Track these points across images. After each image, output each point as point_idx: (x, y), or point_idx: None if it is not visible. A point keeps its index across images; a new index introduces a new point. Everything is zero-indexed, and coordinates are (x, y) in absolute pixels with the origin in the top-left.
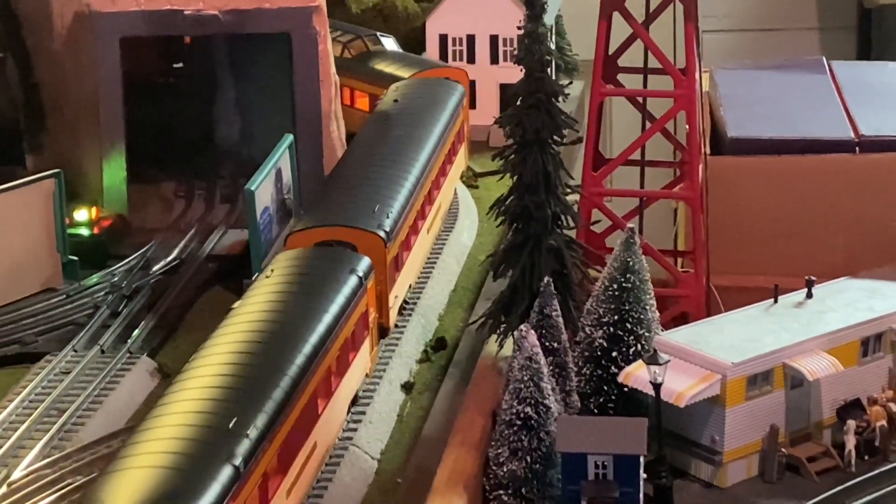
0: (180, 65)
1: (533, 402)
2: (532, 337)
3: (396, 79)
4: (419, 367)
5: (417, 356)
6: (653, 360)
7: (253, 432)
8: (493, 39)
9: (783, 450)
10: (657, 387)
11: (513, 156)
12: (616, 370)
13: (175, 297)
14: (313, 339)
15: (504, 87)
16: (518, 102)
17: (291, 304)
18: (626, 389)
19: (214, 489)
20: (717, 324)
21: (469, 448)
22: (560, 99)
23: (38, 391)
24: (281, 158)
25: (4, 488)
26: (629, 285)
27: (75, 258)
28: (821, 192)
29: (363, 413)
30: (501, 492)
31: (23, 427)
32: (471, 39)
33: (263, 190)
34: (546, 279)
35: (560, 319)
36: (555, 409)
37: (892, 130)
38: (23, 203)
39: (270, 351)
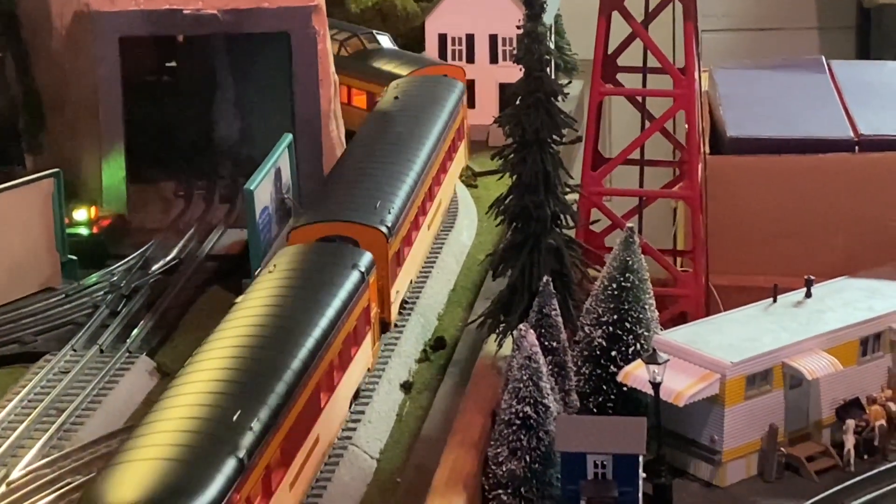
0: (173, 63)
1: (532, 401)
2: (531, 336)
3: (394, 76)
4: (418, 366)
5: (417, 356)
6: (652, 359)
7: (256, 425)
8: (493, 39)
9: (782, 449)
10: (656, 386)
11: (512, 155)
12: (615, 369)
13: (174, 297)
14: (316, 333)
15: (503, 87)
16: (517, 102)
17: (294, 299)
18: (625, 389)
19: (219, 481)
20: (716, 323)
21: (468, 447)
22: (559, 98)
23: (37, 391)
24: (280, 158)
25: (3, 487)
26: (628, 285)
27: (74, 258)
28: (820, 191)
29: (362, 412)
30: (500, 491)
31: (22, 426)
32: (470, 39)
33: (263, 189)
34: (545, 278)
35: (559, 319)
36: (554, 408)
37: (891, 130)
38: (22, 203)
39: (273, 345)
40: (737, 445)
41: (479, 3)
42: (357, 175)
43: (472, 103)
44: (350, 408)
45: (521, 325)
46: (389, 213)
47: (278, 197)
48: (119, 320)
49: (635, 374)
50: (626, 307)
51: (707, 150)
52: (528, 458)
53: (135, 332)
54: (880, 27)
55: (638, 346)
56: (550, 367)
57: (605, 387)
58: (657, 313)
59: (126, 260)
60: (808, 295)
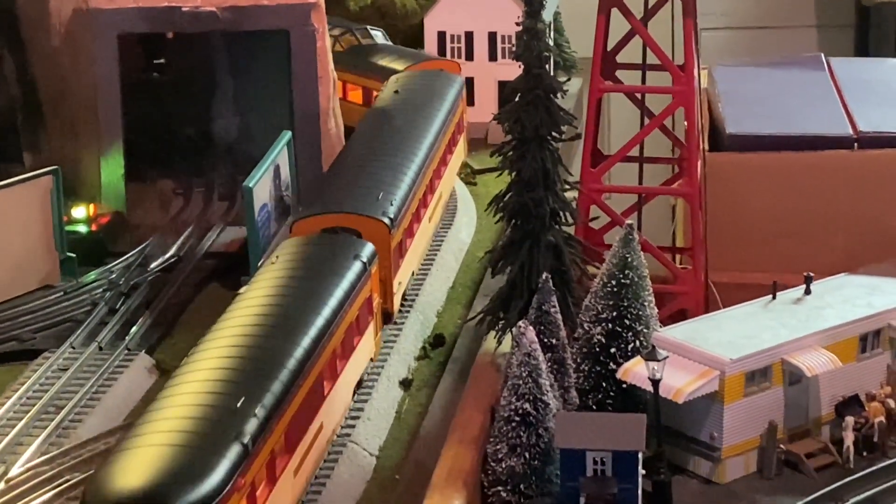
0: (162, 60)
1: (531, 398)
2: (530, 333)
3: (390, 71)
4: (417, 363)
5: (416, 353)
6: (651, 356)
7: (260, 412)
8: (492, 36)
9: (782, 446)
10: (655, 383)
11: (511, 152)
12: (614, 366)
13: (173, 295)
14: (318, 322)
15: (502, 85)
16: (517, 99)
17: (296, 289)
18: (624, 386)
19: (224, 466)
20: (715, 320)
21: (467, 444)
22: (559, 95)
23: (35, 388)
24: (279, 155)
25: (2, 485)
26: (628, 282)
27: (73, 255)
28: (819, 188)
29: (361, 410)
30: (500, 488)
31: (20, 424)
32: (469, 36)
33: (262, 187)
34: (544, 275)
35: (558, 316)
36: (553, 405)
37: (890, 127)
38: (20, 200)
39: (277, 334)
40: (736, 442)
41: (478, 1)
42: (359, 167)
43: (471, 101)
44: (353, 397)
45: (520, 322)
46: (392, 204)
47: (277, 194)
48: (118, 318)
49: (634, 371)
50: (626, 304)
51: (706, 147)
52: (527, 455)
53: (133, 329)
54: (879, 26)
55: (637, 342)
56: (550, 363)
57: (604, 383)
58: (656, 310)
59: (125, 257)
60: (808, 292)
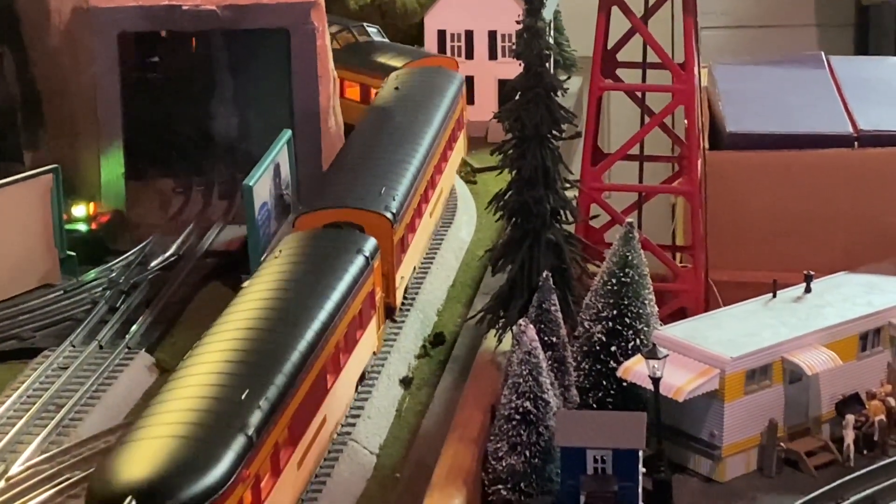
0: (156, 59)
1: (532, 396)
2: (531, 331)
3: (387, 68)
4: (418, 362)
5: (416, 351)
6: (651, 354)
7: (265, 404)
8: (492, 35)
9: (782, 444)
10: (656, 381)
11: (512, 150)
12: (615, 365)
13: (173, 293)
14: (322, 316)
15: (502, 83)
16: (517, 97)
17: (300, 283)
18: (624, 384)
19: (229, 457)
20: (715, 318)
21: (468, 443)
22: (559, 94)
23: (35, 386)
24: (279, 154)
25: (2, 483)
26: (628, 280)
27: (73, 254)
28: (819, 187)
29: (362, 408)
30: (500, 486)
31: (21, 422)
32: (469, 35)
33: (262, 186)
34: (545, 274)
35: (559, 314)
36: (554, 403)
37: (890, 125)
38: (20, 199)
39: (280, 327)
40: (736, 440)
41: (478, 0)
42: (361, 163)
43: (471, 99)
44: (356, 390)
45: (520, 321)
46: (394, 199)
47: (277, 193)
48: (118, 316)
49: (635, 370)
50: (626, 302)
51: (706, 146)
52: (527, 453)
53: (133, 328)
54: (879, 25)
55: (637, 341)
56: (550, 362)
57: (604, 382)
58: (657, 309)
59: (125, 256)
60: (808, 290)
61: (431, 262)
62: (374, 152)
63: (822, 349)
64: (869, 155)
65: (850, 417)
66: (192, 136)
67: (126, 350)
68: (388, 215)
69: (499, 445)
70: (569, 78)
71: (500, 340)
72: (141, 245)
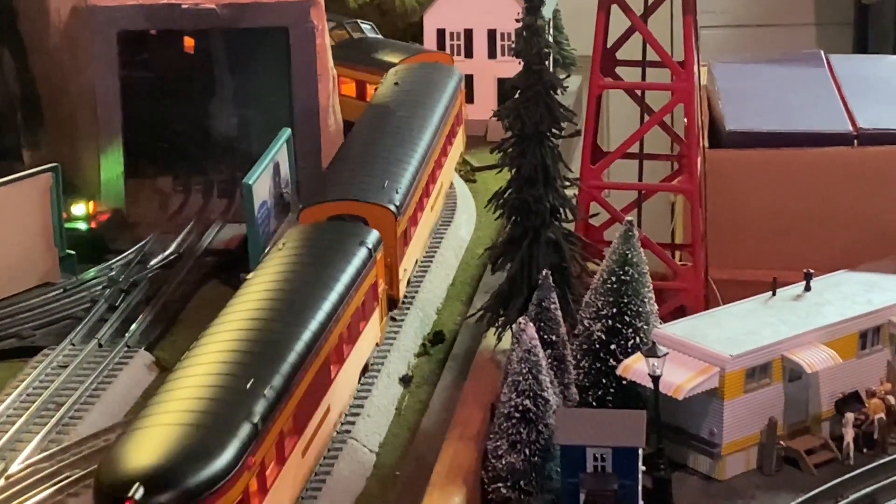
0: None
1: (531, 394)
2: (531, 330)
3: (384, 64)
4: (417, 360)
5: (416, 350)
6: (651, 352)
7: (270, 393)
8: (491, 34)
9: (782, 442)
10: (655, 379)
11: (511, 149)
12: (614, 363)
13: (173, 292)
14: (326, 307)
15: (502, 82)
16: (516, 95)
17: (304, 274)
18: (624, 382)
19: (235, 445)
20: (715, 316)
21: (467, 441)
22: (558, 92)
23: (35, 385)
24: (279, 152)
25: (2, 481)
26: (627, 278)
27: (73, 252)
28: (819, 185)
29: (361, 406)
30: (500, 484)
31: (21, 421)
32: (468, 34)
33: (261, 184)
34: (544, 272)
35: (558, 312)
36: (553, 401)
37: (890, 123)
38: (20, 197)
39: (285, 318)
40: (736, 439)
41: None
42: (364, 157)
43: (470, 98)
44: (359, 381)
45: (520, 319)
46: (397, 192)
47: (277, 191)
48: (118, 315)
49: (635, 368)
50: (626, 301)
51: (706, 144)
52: (527, 452)
53: (133, 326)
54: (878, 24)
55: (637, 339)
56: (550, 360)
57: (604, 380)
58: (656, 307)
59: (124, 255)
60: (808, 288)
61: (431, 261)
62: (377, 146)
63: (822, 347)
64: (868, 153)
65: (850, 415)
66: (191, 135)
67: (126, 348)
68: (392, 208)
69: (498, 444)
70: (568, 76)
71: (499, 339)
72: (140, 244)
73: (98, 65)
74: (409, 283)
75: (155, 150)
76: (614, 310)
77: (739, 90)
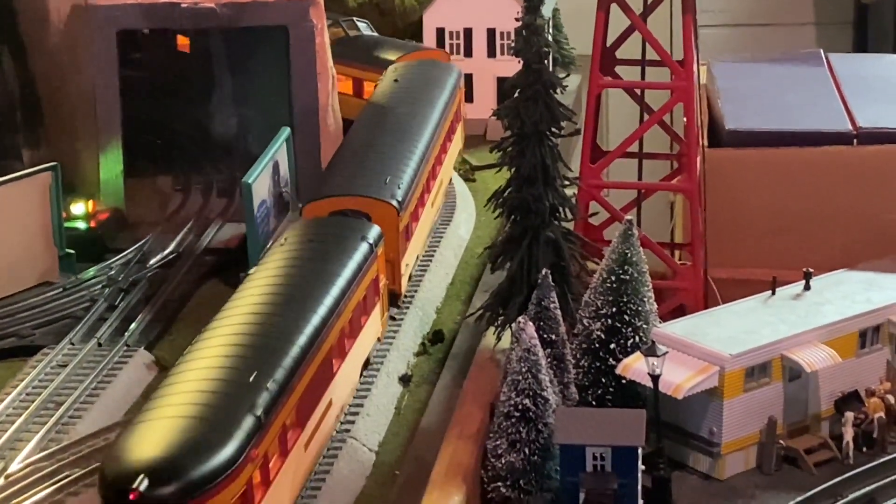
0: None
1: (531, 393)
2: (530, 329)
3: (379, 62)
4: (417, 359)
5: (415, 349)
6: (651, 351)
7: (273, 386)
8: (491, 33)
9: (781, 441)
10: (655, 378)
11: (511, 148)
12: (614, 362)
13: (172, 291)
14: (327, 301)
15: (501, 81)
16: (516, 94)
17: (305, 269)
18: (624, 381)
19: (238, 437)
20: (714, 316)
21: (467, 440)
22: (558, 91)
23: (35, 384)
24: (278, 151)
25: (2, 480)
26: (627, 277)
27: (72, 252)
28: (818, 184)
29: (361, 405)
30: (500, 483)
31: (20, 420)
32: (468, 33)
33: (261, 183)
34: (544, 271)
35: (558, 311)
36: (553, 400)
37: (889, 122)
38: (20, 196)
39: (287, 312)
40: (735, 438)
41: None
42: (365, 152)
43: (469, 97)
44: (361, 375)
45: (519, 318)
46: (399, 188)
47: (276, 190)
48: (117, 314)
49: (634, 367)
50: (625, 300)
51: (705, 144)
52: (527, 451)
53: (133, 325)
54: (878, 23)
55: (637, 338)
56: (549, 359)
57: (603, 379)
58: (656, 306)
59: (124, 254)
60: (807, 287)
61: (431, 260)
62: (378, 142)
63: (822, 346)
64: (868, 152)
65: (850, 415)
66: (190, 134)
67: (125, 348)
68: (394, 203)
69: (498, 443)
70: (568, 75)
71: (499, 338)
72: (140, 243)
73: (98, 64)
74: (410, 278)
75: (154, 149)
76: (614, 309)
77: (739, 89)
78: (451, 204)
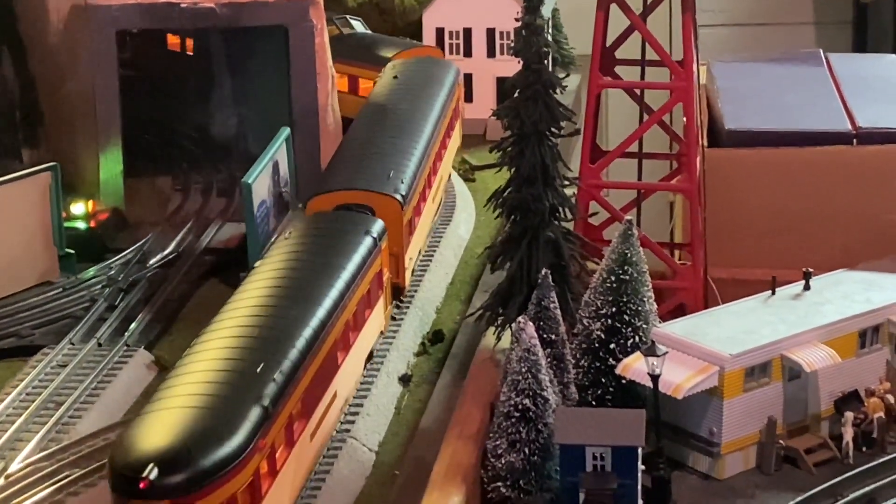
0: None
1: (531, 393)
2: (530, 329)
3: (374, 59)
4: (417, 359)
5: (415, 349)
6: (651, 351)
7: (279, 377)
8: (490, 33)
9: (781, 441)
10: (655, 378)
11: (510, 148)
12: (614, 362)
13: (172, 291)
14: (332, 294)
15: (501, 81)
16: (516, 94)
17: (310, 262)
18: (623, 381)
19: (246, 427)
20: (714, 316)
21: (467, 440)
22: (558, 91)
23: (35, 384)
24: (278, 151)
25: (2, 480)
26: (627, 277)
27: (72, 252)
28: (818, 184)
29: (361, 405)
30: (499, 484)
31: (20, 420)
32: (467, 33)
33: (260, 183)
34: (543, 271)
35: (558, 311)
36: (553, 400)
37: (889, 122)
38: (19, 196)
39: (293, 304)
40: (735, 438)
41: None
42: (368, 148)
43: (469, 97)
44: (364, 368)
45: (519, 318)
46: (402, 182)
47: (276, 190)
48: (117, 314)
49: (634, 367)
50: (625, 300)
51: (705, 143)
52: (526, 451)
53: (133, 325)
54: (877, 23)
55: (637, 338)
56: (549, 359)
57: (603, 379)
58: (655, 306)
59: (124, 254)
60: (807, 287)
61: (431, 260)
62: (380, 138)
63: (822, 346)
64: (868, 152)
65: (849, 415)
66: (190, 134)
67: (125, 348)
68: (398, 197)
69: (498, 443)
70: (567, 75)
71: (498, 338)
72: (140, 243)
73: (97, 64)
74: (413, 272)
75: (154, 149)
76: (613, 309)
77: (738, 89)
78: (451, 204)
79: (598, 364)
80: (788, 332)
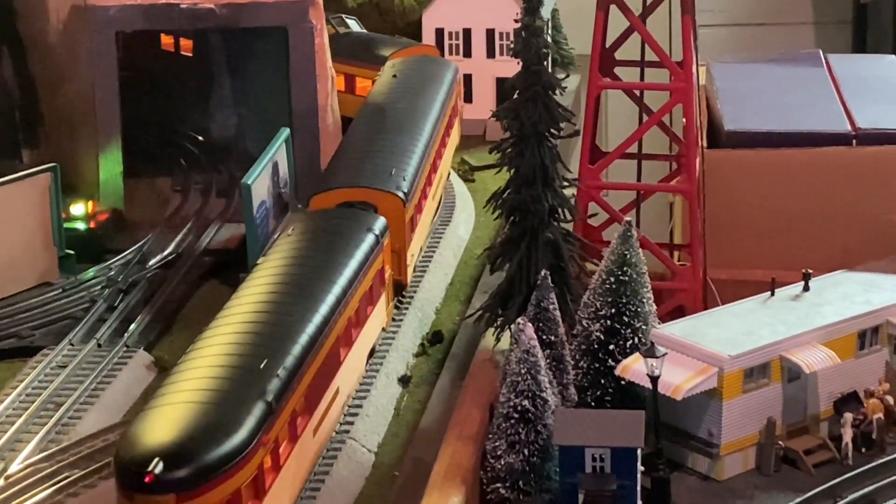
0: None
1: (530, 394)
2: (529, 330)
3: (373, 58)
4: (416, 360)
5: (414, 350)
6: (650, 352)
7: (282, 372)
8: (490, 33)
9: (780, 442)
10: (654, 380)
11: (510, 149)
12: (613, 363)
13: (171, 292)
14: (335, 290)
15: (500, 81)
16: (515, 95)
17: (313, 259)
18: (623, 382)
19: (249, 422)
20: (714, 317)
21: (466, 441)
22: (557, 92)
23: (34, 385)
24: (277, 152)
25: (2, 481)
26: (626, 278)
27: (72, 252)
28: (818, 185)
29: (360, 406)
30: (499, 485)
31: (20, 421)
32: (467, 33)
33: (260, 184)
34: (543, 272)
35: (557, 312)
36: (552, 401)
37: (888, 123)
38: (19, 197)
39: (295, 301)
40: (735, 439)
41: None
42: (370, 145)
43: (469, 98)
44: (367, 364)
45: (519, 319)
46: (404, 180)
47: (275, 191)
48: (116, 315)
49: (633, 368)
50: (624, 301)
51: (705, 144)
52: (526, 452)
53: (132, 326)
54: (876, 22)
55: (636, 339)
56: (548, 360)
57: (603, 380)
58: (655, 307)
59: (123, 255)
60: (806, 288)
61: (430, 260)
62: (381, 136)
63: (821, 347)
64: (867, 153)
65: (849, 416)
66: (190, 135)
67: (125, 348)
68: (400, 195)
69: (497, 444)
70: (567, 76)
71: (498, 339)
72: (139, 243)
73: (97, 64)
74: (415, 269)
75: (154, 149)
76: (613, 310)
77: (738, 90)
78: (451, 204)
79: (597, 365)
80: (788, 333)
